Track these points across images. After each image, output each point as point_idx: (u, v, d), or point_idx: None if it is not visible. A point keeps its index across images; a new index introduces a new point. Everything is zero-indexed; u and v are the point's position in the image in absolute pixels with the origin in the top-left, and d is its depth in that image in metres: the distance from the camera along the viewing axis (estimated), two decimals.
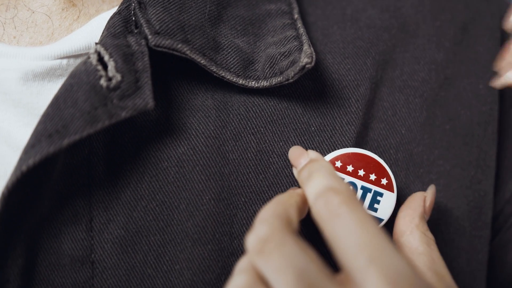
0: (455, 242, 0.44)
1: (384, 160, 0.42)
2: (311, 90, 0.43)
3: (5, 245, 0.36)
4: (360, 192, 0.40)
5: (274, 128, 0.41)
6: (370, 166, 0.40)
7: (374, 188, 0.40)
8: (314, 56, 0.39)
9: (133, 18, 0.40)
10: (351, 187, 0.35)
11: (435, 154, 0.45)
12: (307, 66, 0.39)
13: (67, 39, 0.42)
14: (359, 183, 0.40)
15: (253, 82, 0.40)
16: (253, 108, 0.41)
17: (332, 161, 0.39)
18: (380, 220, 0.40)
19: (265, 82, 0.40)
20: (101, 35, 0.40)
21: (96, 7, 0.43)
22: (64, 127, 0.35)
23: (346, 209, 0.33)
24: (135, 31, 0.40)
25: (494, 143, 0.46)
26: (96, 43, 0.38)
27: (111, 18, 0.40)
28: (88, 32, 0.42)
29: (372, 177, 0.40)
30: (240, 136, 0.41)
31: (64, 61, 0.41)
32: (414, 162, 0.44)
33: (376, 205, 0.40)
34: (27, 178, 0.35)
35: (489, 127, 0.46)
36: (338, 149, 0.41)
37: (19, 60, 0.41)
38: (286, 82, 0.40)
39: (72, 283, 0.37)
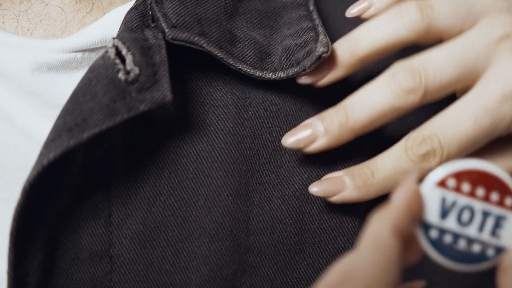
0: None
1: None
2: (324, 93, 0.43)
3: (25, 239, 0.36)
4: (479, 217, 0.32)
5: (288, 129, 0.41)
6: (490, 182, 0.32)
7: (497, 210, 0.32)
8: (330, 46, 0.39)
9: (150, 12, 0.40)
10: None
11: None
12: (323, 55, 0.39)
13: (81, 32, 0.42)
14: (479, 205, 0.32)
15: (270, 74, 0.40)
16: (271, 107, 0.41)
17: (443, 181, 0.32)
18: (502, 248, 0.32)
19: (282, 73, 0.40)
20: (119, 30, 0.40)
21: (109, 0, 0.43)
22: (84, 120, 0.35)
23: None
24: (152, 25, 0.40)
25: None
26: (114, 38, 0.38)
27: (128, 13, 0.40)
28: (103, 26, 0.42)
29: (494, 196, 0.32)
30: (257, 134, 0.41)
31: (79, 55, 0.41)
32: None
33: (498, 231, 0.32)
34: (47, 172, 0.35)
35: None
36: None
37: (34, 52, 0.41)
38: (303, 73, 0.40)
39: (90, 277, 0.37)
